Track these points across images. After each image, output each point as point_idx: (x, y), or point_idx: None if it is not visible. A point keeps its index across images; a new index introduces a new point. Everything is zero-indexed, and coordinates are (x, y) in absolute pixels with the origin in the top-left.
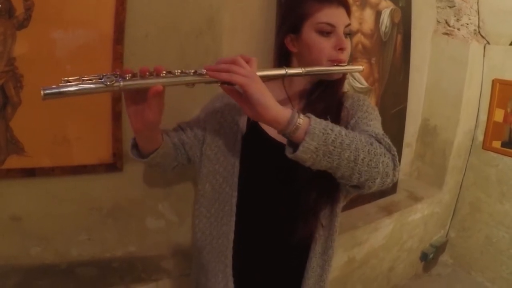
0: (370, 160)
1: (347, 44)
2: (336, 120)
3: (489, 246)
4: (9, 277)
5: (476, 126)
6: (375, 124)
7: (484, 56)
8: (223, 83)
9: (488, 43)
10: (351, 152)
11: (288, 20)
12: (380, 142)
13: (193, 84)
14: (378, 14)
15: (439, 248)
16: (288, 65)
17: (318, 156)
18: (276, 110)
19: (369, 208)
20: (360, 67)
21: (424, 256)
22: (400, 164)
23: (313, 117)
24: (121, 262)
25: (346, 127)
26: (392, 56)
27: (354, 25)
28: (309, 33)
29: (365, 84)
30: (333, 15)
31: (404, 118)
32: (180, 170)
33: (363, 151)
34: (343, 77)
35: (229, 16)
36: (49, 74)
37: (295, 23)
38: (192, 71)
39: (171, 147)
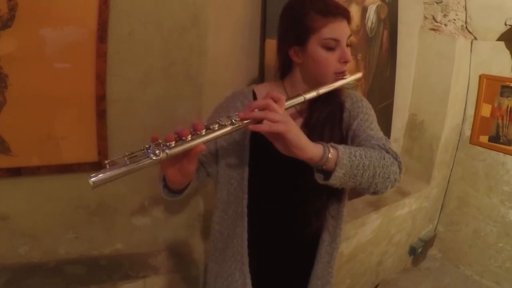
0: (384, 172)
1: (350, 56)
2: (339, 122)
3: (477, 239)
4: None
5: (463, 121)
6: (376, 126)
7: (471, 51)
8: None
9: (475, 38)
10: (370, 171)
11: (292, 32)
12: (388, 152)
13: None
14: (364, 10)
15: (428, 242)
16: (291, 73)
17: (345, 180)
18: (312, 151)
19: (356, 203)
20: (360, 74)
21: (412, 250)
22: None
23: (339, 147)
24: (109, 259)
25: (349, 128)
26: (379, 52)
27: None
28: (315, 47)
29: None
30: (338, 30)
31: (391, 113)
32: None
33: (378, 167)
34: None
35: (214, 13)
36: (34, 73)
37: (300, 36)
38: (229, 122)
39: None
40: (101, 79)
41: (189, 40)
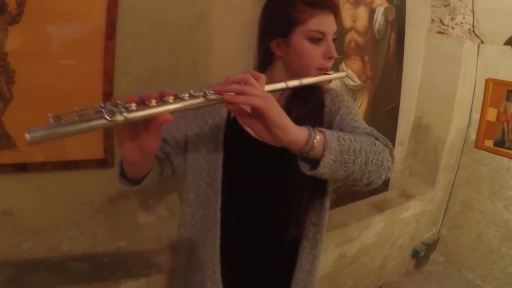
0: (377, 159)
1: (335, 52)
2: (320, 118)
3: (480, 244)
4: (1, 272)
5: (468, 125)
6: (360, 119)
7: (478, 55)
8: (229, 103)
9: (482, 42)
10: (362, 156)
11: (277, 23)
12: (377, 139)
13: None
14: (372, 11)
15: (431, 246)
16: (271, 67)
17: (336, 167)
18: (295, 132)
19: (360, 205)
20: (344, 73)
21: (415, 254)
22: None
23: (325, 130)
24: (112, 257)
25: (331, 124)
26: (386, 54)
27: (348, 23)
28: (299, 39)
29: (358, 81)
30: (325, 23)
31: (397, 115)
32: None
33: (370, 153)
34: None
35: (221, 11)
36: (41, 69)
37: (284, 27)
38: (201, 93)
39: (157, 163)
40: (108, 76)
41: (196, 38)
